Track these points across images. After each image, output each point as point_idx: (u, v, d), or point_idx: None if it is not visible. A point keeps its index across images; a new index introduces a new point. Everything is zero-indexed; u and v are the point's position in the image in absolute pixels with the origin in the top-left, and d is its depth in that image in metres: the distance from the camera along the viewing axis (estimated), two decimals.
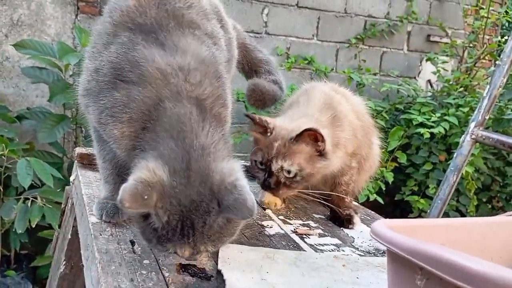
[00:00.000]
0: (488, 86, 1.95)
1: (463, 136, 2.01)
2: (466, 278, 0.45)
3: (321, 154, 1.09)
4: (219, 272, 0.84)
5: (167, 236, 0.77)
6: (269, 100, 1.37)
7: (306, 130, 1.05)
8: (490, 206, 3.32)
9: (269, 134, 1.10)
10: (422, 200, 3.04)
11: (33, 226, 2.16)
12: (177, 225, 0.76)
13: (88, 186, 1.18)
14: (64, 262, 1.34)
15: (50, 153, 2.59)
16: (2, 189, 2.33)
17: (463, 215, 3.07)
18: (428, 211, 2.11)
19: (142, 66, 0.86)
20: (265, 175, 1.10)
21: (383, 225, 0.60)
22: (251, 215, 0.75)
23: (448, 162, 2.87)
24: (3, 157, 2.24)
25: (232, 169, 0.81)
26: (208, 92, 0.89)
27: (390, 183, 2.99)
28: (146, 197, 0.73)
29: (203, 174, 0.78)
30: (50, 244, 2.41)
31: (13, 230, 2.26)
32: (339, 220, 1.22)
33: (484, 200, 3.26)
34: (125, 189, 0.73)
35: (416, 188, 3.19)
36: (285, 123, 1.12)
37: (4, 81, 2.74)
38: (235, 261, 0.88)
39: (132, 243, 0.92)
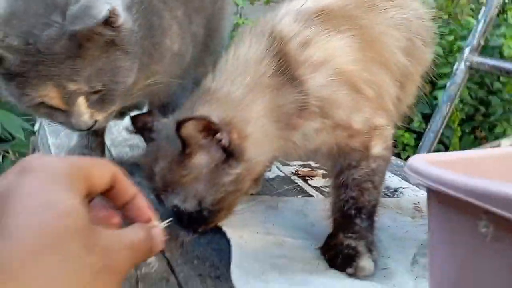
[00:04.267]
0: (483, 8, 1.85)
1: (456, 63, 1.92)
2: None
3: (230, 153, 0.63)
4: (218, 228, 0.73)
5: (26, 75, 0.67)
6: None
7: (183, 121, 0.59)
8: (473, 137, 3.32)
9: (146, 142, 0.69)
10: (406, 134, 3.00)
11: None
12: (27, 52, 0.66)
13: (56, 135, 1.05)
14: None
15: None
16: None
17: (446, 147, 3.06)
18: (420, 144, 2.06)
19: None
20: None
21: (423, 159, 0.49)
22: (99, 17, 0.65)
23: (433, 95, 2.83)
24: None
25: None
26: None
27: None
28: None
29: None
30: None
31: None
32: (330, 254, 0.68)
33: (467, 131, 3.25)
34: None
35: (399, 123, 3.14)
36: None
37: None
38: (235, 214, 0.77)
39: None
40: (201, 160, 0.62)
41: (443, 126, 1.94)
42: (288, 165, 1.07)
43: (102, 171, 0.41)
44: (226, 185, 0.63)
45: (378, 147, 0.69)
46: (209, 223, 0.68)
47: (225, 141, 0.61)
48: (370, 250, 0.66)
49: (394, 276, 0.64)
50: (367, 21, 0.72)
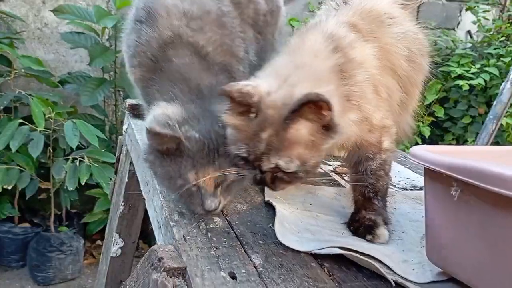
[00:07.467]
0: None
1: (503, 83, 1.97)
2: (500, 183, 0.48)
3: (328, 127, 0.74)
4: (266, 203, 0.91)
5: (193, 161, 0.79)
6: None
7: (304, 103, 0.69)
8: None
9: (253, 115, 0.74)
10: None
11: (82, 183, 2.27)
12: (205, 145, 0.80)
13: (141, 132, 1.24)
14: (122, 203, 1.45)
15: (92, 116, 2.69)
16: (51, 150, 2.44)
17: None
18: None
19: (152, 4, 0.95)
20: (255, 172, 0.78)
21: (422, 148, 0.64)
22: None
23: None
24: (50, 119, 2.33)
25: None
26: (208, 38, 0.95)
27: (427, 137, 2.96)
28: (170, 123, 0.79)
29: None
30: (98, 202, 2.57)
31: (63, 189, 2.39)
32: (355, 225, 0.85)
33: None
34: (152, 119, 0.80)
35: (454, 143, 3.14)
36: (273, 89, 0.75)
37: (44, 47, 2.82)
38: (280, 195, 0.94)
39: None
40: (307, 130, 0.72)
41: (489, 144, 1.99)
42: (328, 164, 1.22)
43: None
44: (324, 151, 0.76)
45: (387, 142, 0.86)
46: (292, 183, 0.78)
47: (328, 117, 0.72)
48: (386, 223, 0.82)
49: (404, 244, 0.79)
50: (380, 33, 0.88)
